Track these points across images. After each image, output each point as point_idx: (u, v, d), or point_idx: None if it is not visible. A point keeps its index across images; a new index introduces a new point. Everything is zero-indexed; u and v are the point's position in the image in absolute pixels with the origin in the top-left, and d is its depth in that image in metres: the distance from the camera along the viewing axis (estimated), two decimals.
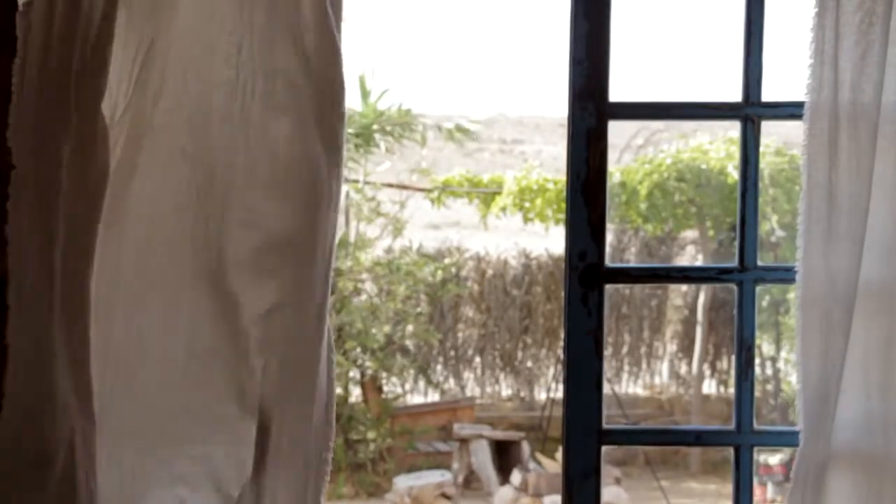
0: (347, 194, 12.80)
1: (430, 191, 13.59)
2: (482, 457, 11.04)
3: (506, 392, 13.83)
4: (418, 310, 12.35)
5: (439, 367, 13.61)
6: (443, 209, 13.91)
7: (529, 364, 13.71)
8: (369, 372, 11.84)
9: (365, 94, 11.71)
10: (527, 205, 12.89)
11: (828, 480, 2.27)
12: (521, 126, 23.83)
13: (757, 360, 2.76)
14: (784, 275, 2.66)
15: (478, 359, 13.76)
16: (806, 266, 2.29)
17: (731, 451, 2.46)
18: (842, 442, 2.28)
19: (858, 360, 2.26)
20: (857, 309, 2.25)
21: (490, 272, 13.68)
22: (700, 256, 13.48)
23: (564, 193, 2.45)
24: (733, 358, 2.77)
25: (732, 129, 12.12)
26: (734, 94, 2.45)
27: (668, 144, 13.44)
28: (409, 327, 12.14)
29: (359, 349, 11.59)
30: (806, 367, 2.29)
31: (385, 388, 12.24)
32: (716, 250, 12.96)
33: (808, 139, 2.28)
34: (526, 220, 13.10)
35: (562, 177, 12.56)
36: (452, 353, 13.67)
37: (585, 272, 2.42)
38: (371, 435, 11.21)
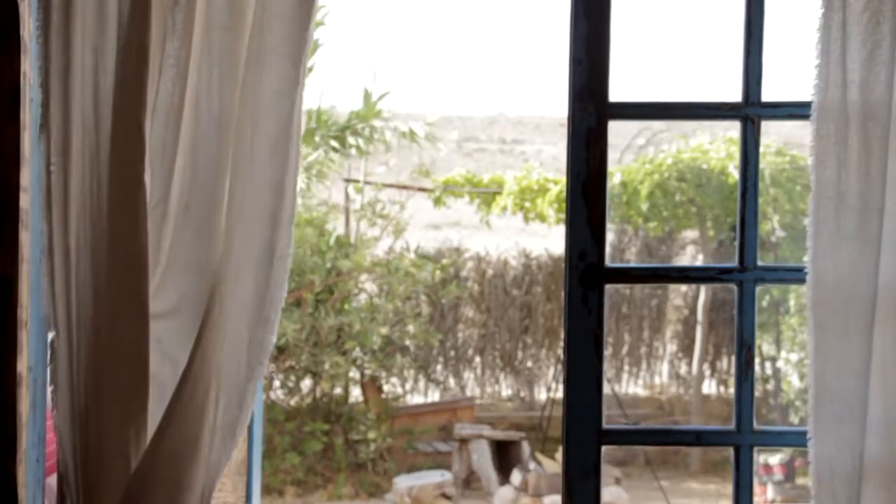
0: (348, 195, 12.79)
1: (430, 191, 13.59)
2: (482, 457, 11.04)
3: (506, 392, 13.83)
4: (418, 310, 12.34)
5: (439, 368, 13.61)
6: (443, 209, 13.91)
7: (529, 364, 13.71)
8: (369, 372, 11.84)
9: (367, 97, 11.70)
10: (527, 205, 12.88)
11: (861, 492, 2.23)
12: (521, 126, 23.82)
13: (757, 360, 2.76)
14: (784, 275, 2.65)
15: (478, 359, 13.76)
16: (815, 267, 2.27)
17: (731, 451, 2.45)
18: (867, 448, 2.24)
19: (877, 364, 2.23)
20: (876, 312, 2.23)
21: (490, 272, 13.68)
22: (700, 256, 13.48)
23: (565, 193, 2.45)
24: (733, 358, 2.77)
25: (732, 129, 12.11)
26: (734, 94, 2.45)
27: (669, 144, 13.44)
28: (410, 327, 12.13)
29: (358, 349, 11.59)
30: (817, 368, 2.27)
31: (385, 389, 12.23)
32: (716, 250, 12.95)
33: (815, 139, 2.27)
34: (526, 220, 13.10)
35: (562, 177, 12.56)
36: (452, 353, 13.67)
37: (585, 272, 2.42)
38: (371, 435, 11.21)
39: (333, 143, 11.32)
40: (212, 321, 2.26)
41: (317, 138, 11.13)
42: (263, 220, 2.29)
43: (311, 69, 11.64)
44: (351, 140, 11.30)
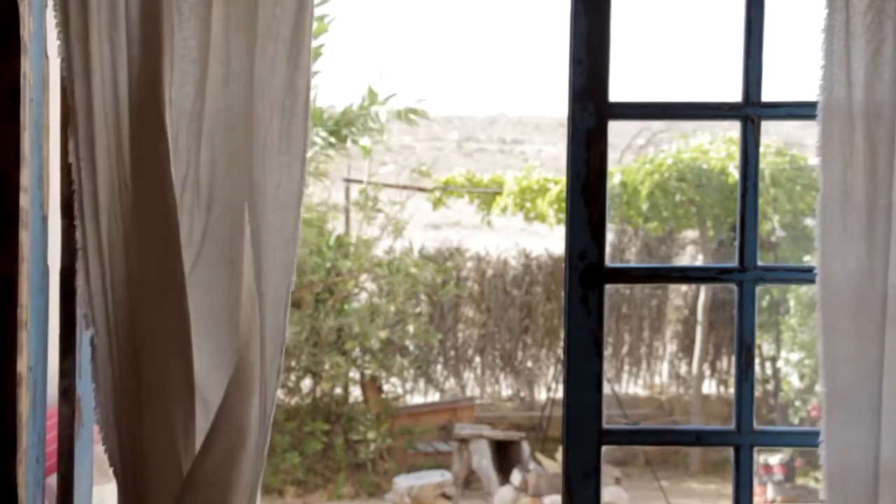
0: (348, 195, 12.80)
1: (430, 191, 13.59)
2: (482, 457, 11.04)
3: (506, 392, 13.83)
4: (418, 310, 12.35)
5: (439, 367, 13.61)
6: (443, 209, 13.91)
7: (529, 364, 13.71)
8: (369, 372, 11.84)
9: (373, 98, 11.71)
10: (527, 205, 12.89)
11: (877, 497, 2.21)
12: (521, 126, 23.83)
13: (757, 360, 2.75)
14: (784, 275, 2.66)
15: (478, 359, 13.76)
16: (823, 267, 2.26)
17: (731, 451, 2.45)
18: (882, 453, 2.23)
19: (889, 366, 2.21)
20: (887, 312, 2.21)
21: (490, 272, 13.68)
22: (700, 256, 13.49)
23: (565, 193, 2.45)
24: (733, 358, 2.76)
25: (732, 129, 12.12)
26: (734, 94, 2.45)
27: (669, 144, 13.44)
28: (410, 328, 12.14)
29: (358, 349, 11.59)
30: (828, 369, 2.26)
31: (385, 389, 12.23)
32: (716, 250, 12.96)
33: (821, 139, 2.26)
34: (527, 219, 13.11)
35: (562, 177, 12.57)
36: (452, 353, 13.67)
37: (585, 272, 2.42)
38: (371, 435, 11.21)
39: (330, 138, 11.31)
40: (251, 318, 2.25)
41: (314, 137, 11.14)
42: (273, 206, 2.28)
43: (315, 73, 11.66)
44: (345, 132, 11.30)
